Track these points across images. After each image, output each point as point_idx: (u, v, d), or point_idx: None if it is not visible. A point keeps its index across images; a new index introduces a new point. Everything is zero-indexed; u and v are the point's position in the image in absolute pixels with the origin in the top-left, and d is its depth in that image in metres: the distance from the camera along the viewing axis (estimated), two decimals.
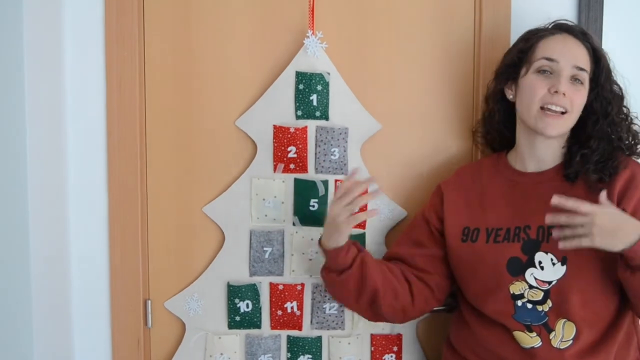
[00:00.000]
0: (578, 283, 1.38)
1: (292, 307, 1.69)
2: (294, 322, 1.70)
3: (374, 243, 1.71)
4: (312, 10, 1.66)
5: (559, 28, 1.49)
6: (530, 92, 1.44)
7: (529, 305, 1.41)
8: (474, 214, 1.51)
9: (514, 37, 1.68)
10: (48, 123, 1.62)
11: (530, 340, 1.41)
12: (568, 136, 1.49)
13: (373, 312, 1.56)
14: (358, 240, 1.68)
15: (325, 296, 1.69)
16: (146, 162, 1.71)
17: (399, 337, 1.72)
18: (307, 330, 1.70)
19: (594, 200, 1.34)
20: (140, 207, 1.70)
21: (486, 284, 1.46)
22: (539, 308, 1.40)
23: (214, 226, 1.71)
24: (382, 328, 1.71)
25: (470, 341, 1.51)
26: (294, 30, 1.68)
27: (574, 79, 1.43)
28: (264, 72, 1.69)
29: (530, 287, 1.40)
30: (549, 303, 1.40)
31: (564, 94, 1.41)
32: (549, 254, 1.40)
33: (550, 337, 1.40)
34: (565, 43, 1.45)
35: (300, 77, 1.66)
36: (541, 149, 1.48)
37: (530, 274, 1.40)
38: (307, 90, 1.66)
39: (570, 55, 1.44)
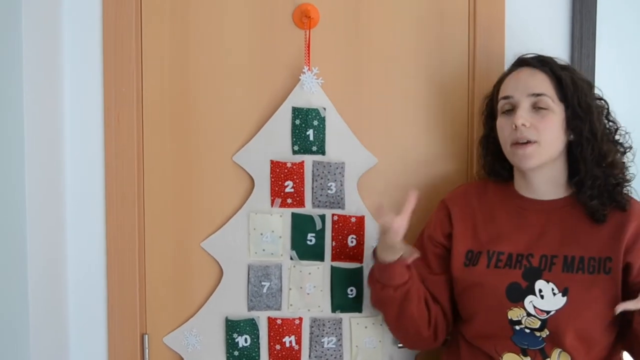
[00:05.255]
0: (576, 316, 1.38)
1: (290, 342, 1.70)
2: (293, 356, 1.70)
3: None
4: (308, 47, 1.68)
5: (516, 64, 1.52)
6: (501, 133, 1.49)
7: (527, 330, 1.41)
8: (479, 236, 1.51)
9: None
10: (47, 161, 1.63)
11: None
12: (565, 166, 1.49)
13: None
14: (356, 275, 1.70)
15: (323, 330, 1.70)
16: (144, 197, 1.73)
17: None
18: None
19: (598, 229, 1.41)
20: (137, 242, 1.71)
21: (485, 309, 1.46)
22: (537, 334, 1.41)
23: (212, 261, 1.72)
24: None
25: None
26: (290, 66, 1.71)
27: (536, 107, 1.44)
28: (261, 107, 1.71)
29: (529, 314, 1.40)
30: (546, 331, 1.40)
31: (523, 125, 1.42)
32: (550, 283, 1.40)
33: None
34: (518, 76, 1.48)
35: (297, 112, 1.68)
36: (534, 181, 1.49)
37: (530, 302, 1.40)
38: (303, 125, 1.68)
39: (523, 86, 1.45)
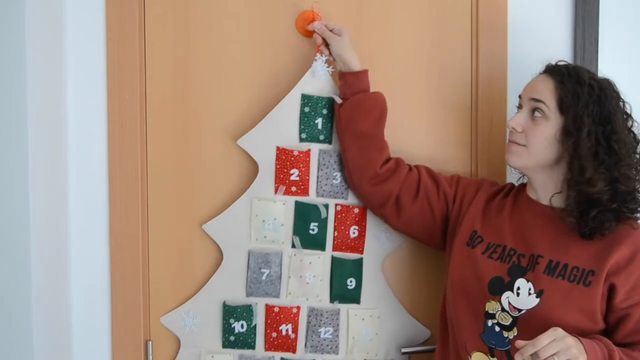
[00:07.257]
0: (545, 319, 1.36)
1: (287, 330, 1.69)
2: (289, 344, 1.69)
3: (371, 269, 1.71)
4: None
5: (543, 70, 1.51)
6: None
7: (497, 328, 1.43)
8: (486, 223, 1.53)
9: (511, 77, 1.74)
10: (51, 165, 1.60)
11: None
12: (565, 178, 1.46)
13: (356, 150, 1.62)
14: (356, 266, 1.70)
15: (321, 320, 1.70)
16: (147, 197, 1.70)
17: None
18: (301, 354, 1.70)
19: (591, 241, 1.38)
20: (141, 244, 1.69)
21: (467, 294, 1.48)
22: (505, 334, 1.42)
23: (213, 245, 1.70)
24: (376, 354, 1.72)
25: None
26: (302, 52, 1.69)
27: (533, 112, 1.45)
28: (270, 92, 1.69)
29: (503, 309, 1.42)
30: (515, 331, 1.41)
31: (514, 128, 1.46)
32: (529, 282, 1.41)
33: None
34: (533, 81, 1.49)
35: (307, 99, 1.66)
36: (533, 184, 1.51)
37: (506, 297, 1.42)
38: (312, 113, 1.66)
39: (529, 90, 1.48)
